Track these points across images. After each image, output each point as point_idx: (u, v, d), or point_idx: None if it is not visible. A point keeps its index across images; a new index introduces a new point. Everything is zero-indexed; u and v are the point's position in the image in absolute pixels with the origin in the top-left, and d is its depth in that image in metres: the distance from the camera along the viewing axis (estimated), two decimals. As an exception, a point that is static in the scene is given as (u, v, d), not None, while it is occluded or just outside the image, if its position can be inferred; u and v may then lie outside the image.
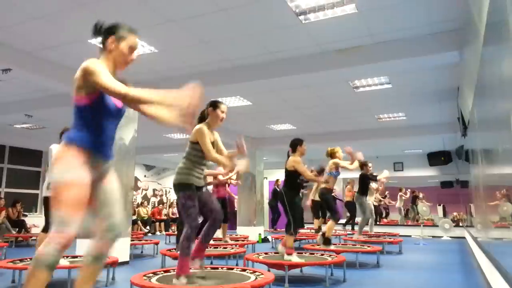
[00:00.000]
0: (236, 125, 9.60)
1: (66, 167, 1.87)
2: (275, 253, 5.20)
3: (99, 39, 2.09)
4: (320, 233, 6.28)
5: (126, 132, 6.15)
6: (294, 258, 4.51)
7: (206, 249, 3.59)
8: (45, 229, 4.17)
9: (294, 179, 4.67)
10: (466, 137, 6.16)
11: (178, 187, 3.27)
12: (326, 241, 5.94)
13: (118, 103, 2.04)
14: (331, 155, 6.04)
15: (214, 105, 3.45)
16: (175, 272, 3.28)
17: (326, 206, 6.36)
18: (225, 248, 6.11)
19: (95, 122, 1.95)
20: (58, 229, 1.81)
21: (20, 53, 5.17)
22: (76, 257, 4.82)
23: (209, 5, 4.02)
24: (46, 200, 4.20)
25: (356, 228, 9.87)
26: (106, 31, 2.06)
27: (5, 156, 11.04)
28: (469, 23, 3.64)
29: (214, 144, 3.38)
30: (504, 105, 2.12)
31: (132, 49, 2.08)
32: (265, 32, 4.67)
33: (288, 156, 4.81)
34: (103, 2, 3.98)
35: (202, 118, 3.48)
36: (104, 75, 1.86)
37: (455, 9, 4.08)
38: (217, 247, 6.18)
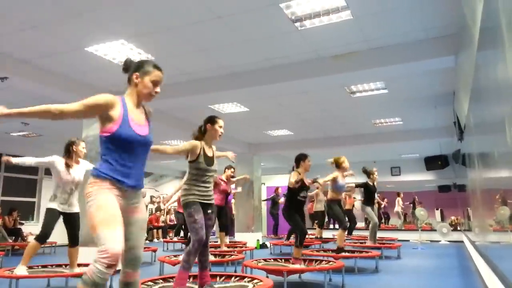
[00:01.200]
0: (233, 131, 9.62)
1: (97, 194, 1.95)
2: (274, 259, 5.19)
3: (127, 74, 2.22)
4: (336, 247, 6.21)
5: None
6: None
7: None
8: (38, 238, 4.14)
9: (293, 197, 4.64)
10: (462, 141, 6.18)
11: (183, 207, 3.32)
12: (339, 251, 5.93)
13: (142, 132, 2.11)
14: (336, 165, 5.97)
15: (213, 121, 3.46)
16: (173, 283, 3.26)
17: (333, 216, 6.34)
18: (224, 256, 6.09)
19: (118, 152, 2.03)
20: (101, 249, 1.84)
21: (16, 61, 5.17)
22: (80, 265, 4.77)
23: (206, 12, 4.05)
24: (49, 211, 4.17)
25: (354, 233, 9.88)
26: (132, 67, 2.20)
27: (2, 164, 10.99)
28: (464, 28, 3.67)
29: (211, 160, 3.40)
30: (499, 109, 2.13)
31: (155, 83, 2.20)
32: (262, 39, 4.70)
33: (292, 170, 4.76)
34: (98, 11, 3.99)
35: (200, 134, 3.47)
36: (80, 102, 2.00)
37: (450, 14, 4.12)
38: (215, 255, 6.15)
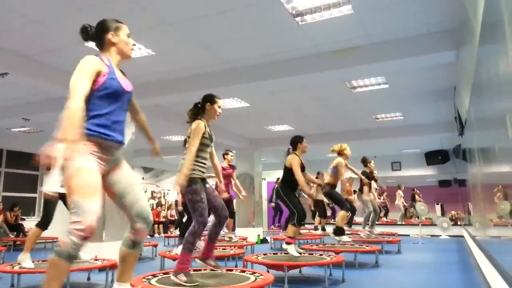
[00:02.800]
0: (234, 127, 9.61)
1: (79, 156, 1.89)
2: (273, 253, 5.20)
3: (93, 40, 2.18)
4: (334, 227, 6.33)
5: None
6: (291, 249, 4.59)
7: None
8: (40, 224, 4.20)
9: (291, 177, 4.73)
10: (463, 136, 6.18)
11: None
12: (339, 231, 5.98)
13: (126, 86, 2.11)
14: (339, 153, 6.05)
15: (212, 100, 3.45)
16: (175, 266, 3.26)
17: (333, 201, 6.42)
18: (224, 249, 6.11)
19: (104, 106, 2.01)
20: (76, 220, 1.79)
21: (17, 56, 5.16)
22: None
23: (207, 7, 4.03)
24: (45, 198, 4.23)
25: (355, 227, 9.90)
26: (101, 30, 2.16)
27: (3, 160, 11.00)
28: (465, 23, 3.66)
29: (212, 136, 3.42)
30: (500, 104, 2.13)
31: (129, 35, 2.22)
32: (262, 34, 4.68)
33: (289, 154, 4.87)
34: (99, 6, 3.98)
35: (196, 113, 3.45)
36: (78, 74, 1.94)
37: (451, 9, 4.10)
38: (216, 248, 6.17)
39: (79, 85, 1.91)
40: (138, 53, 5.13)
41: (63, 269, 1.78)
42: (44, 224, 4.19)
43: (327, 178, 6.21)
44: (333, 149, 6.21)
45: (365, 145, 11.22)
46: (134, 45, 2.25)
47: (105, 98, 2.01)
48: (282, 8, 4.07)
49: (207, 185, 3.38)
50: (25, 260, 4.08)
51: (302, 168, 4.79)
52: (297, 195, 4.96)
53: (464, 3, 3.49)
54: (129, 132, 6.28)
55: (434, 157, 12.30)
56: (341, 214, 6.07)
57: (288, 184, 4.80)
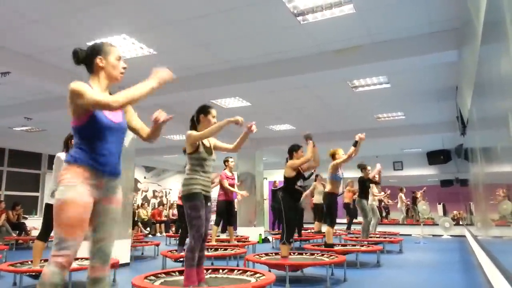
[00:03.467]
0: (235, 126, 9.59)
1: (66, 186, 1.87)
2: (275, 253, 5.20)
3: (83, 64, 2.11)
4: (323, 245, 6.27)
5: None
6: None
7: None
8: (41, 237, 4.12)
9: (291, 185, 4.69)
10: (465, 135, 6.17)
11: (185, 198, 3.19)
12: (327, 246, 5.95)
13: (115, 118, 2.04)
14: (332, 156, 6.04)
15: (205, 111, 3.38)
16: (182, 284, 3.21)
17: (326, 211, 6.35)
18: (226, 249, 6.11)
19: (94, 140, 1.96)
20: (57, 250, 1.82)
21: (19, 56, 5.17)
22: (77, 259, 4.82)
23: (208, 7, 4.03)
24: (48, 208, 4.12)
25: (354, 228, 9.89)
26: (90, 54, 2.09)
27: (5, 159, 11.04)
28: (467, 22, 3.65)
29: (210, 149, 3.34)
30: (502, 104, 2.12)
31: (119, 59, 2.13)
32: (264, 34, 4.68)
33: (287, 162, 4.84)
34: (101, 5, 3.98)
35: (192, 125, 3.41)
36: (89, 93, 1.89)
37: (453, 8, 4.09)
38: (217, 249, 6.18)
39: (99, 96, 1.91)
40: (140, 52, 5.13)
41: None
42: (45, 235, 4.12)
43: (327, 186, 6.18)
44: (328, 153, 6.22)
45: (366, 144, 11.14)
46: (124, 68, 2.15)
47: (92, 134, 1.96)
48: (283, 7, 4.06)
49: (209, 204, 3.31)
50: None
51: (302, 177, 4.74)
52: (297, 205, 4.83)
53: (467, 2, 3.48)
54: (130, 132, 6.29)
55: (436, 157, 12.27)
56: (327, 230, 6.03)
57: (290, 193, 4.71)
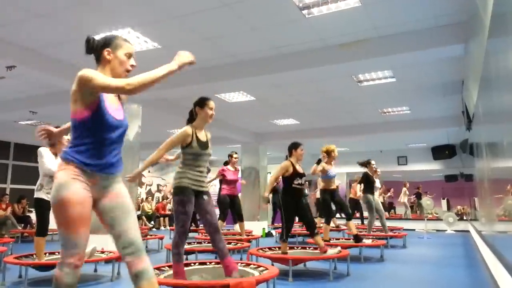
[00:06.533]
0: (239, 121, 9.61)
1: (59, 184, 1.81)
2: (278, 248, 5.22)
3: (94, 54, 2.04)
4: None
5: (130, 128, 6.14)
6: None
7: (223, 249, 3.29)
8: (39, 233, 4.07)
9: (288, 183, 4.66)
10: (470, 130, 6.13)
11: (174, 191, 3.16)
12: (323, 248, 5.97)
13: (118, 115, 1.97)
14: (328, 153, 6.01)
15: (202, 103, 3.25)
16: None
17: (322, 208, 6.37)
18: (230, 243, 6.13)
19: (93, 137, 1.88)
20: (65, 251, 1.80)
21: (24, 50, 5.18)
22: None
23: (213, 0, 4.01)
24: (37, 202, 4.07)
25: (355, 222, 9.87)
26: (100, 45, 2.03)
27: (10, 152, 11.11)
28: (474, 16, 3.61)
29: (206, 144, 3.24)
30: (509, 98, 2.10)
31: (129, 56, 2.05)
32: (269, 27, 4.66)
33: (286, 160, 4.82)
34: (104, 0, 3.98)
35: (191, 119, 3.33)
36: (100, 77, 1.83)
37: (460, 1, 4.05)
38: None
39: (112, 79, 1.85)
40: (144, 47, 5.12)
41: None
42: (42, 231, 4.07)
43: (320, 184, 6.23)
44: (322, 149, 6.17)
45: (371, 139, 11.18)
46: (132, 66, 2.07)
47: (95, 129, 1.88)
48: (288, 1, 4.04)
49: (205, 197, 3.23)
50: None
51: (299, 175, 4.67)
52: (302, 203, 4.81)
53: (474, -5, 3.44)
54: (135, 125, 6.30)
55: (441, 152, 12.21)
56: (324, 227, 6.06)
57: (288, 192, 4.67)
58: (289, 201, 4.64)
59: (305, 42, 5.08)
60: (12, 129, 10.04)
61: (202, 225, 3.35)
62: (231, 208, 6.79)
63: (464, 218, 12.50)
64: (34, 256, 4.28)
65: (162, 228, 13.15)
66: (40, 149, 4.13)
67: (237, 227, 7.56)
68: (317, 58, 5.27)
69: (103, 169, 1.91)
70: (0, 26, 4.57)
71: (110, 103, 1.95)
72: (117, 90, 1.83)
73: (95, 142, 1.89)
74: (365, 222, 10.03)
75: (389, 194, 13.36)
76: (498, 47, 2.36)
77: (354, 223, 7.37)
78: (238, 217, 6.97)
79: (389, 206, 14.25)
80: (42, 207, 4.04)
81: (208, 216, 3.22)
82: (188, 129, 3.17)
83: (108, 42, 2.03)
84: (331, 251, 4.51)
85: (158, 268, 3.68)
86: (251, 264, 3.94)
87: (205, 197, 3.25)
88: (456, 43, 4.56)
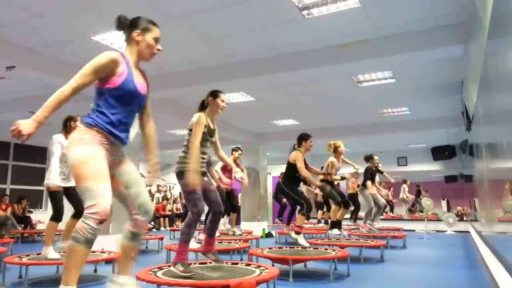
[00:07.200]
0: (239, 121, 9.61)
1: (81, 146, 1.90)
2: (278, 247, 5.22)
3: (123, 32, 2.16)
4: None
5: (130, 128, 6.17)
6: (301, 239, 4.65)
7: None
8: (53, 218, 4.14)
9: (294, 172, 4.80)
10: (470, 131, 6.14)
11: (180, 175, 3.27)
12: (333, 225, 6.03)
13: (142, 89, 2.10)
14: (335, 150, 6.07)
15: (214, 94, 3.47)
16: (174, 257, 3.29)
17: (328, 197, 6.48)
18: (230, 243, 6.13)
19: (116, 106, 2.00)
20: (90, 202, 1.83)
21: (24, 50, 5.18)
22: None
23: (212, 0, 4.02)
24: (51, 192, 4.16)
25: (359, 222, 9.88)
26: (131, 25, 2.13)
27: (10, 153, 11.11)
28: (474, 16, 3.61)
29: (214, 131, 3.44)
30: (509, 99, 2.11)
31: (156, 40, 2.17)
32: (268, 28, 4.66)
33: (294, 149, 4.90)
34: (104, 0, 3.98)
35: (202, 107, 3.51)
36: (85, 68, 1.96)
37: (459, 2, 4.05)
38: (221, 242, 6.20)
39: (78, 77, 1.96)
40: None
41: (82, 254, 1.81)
42: (57, 216, 4.15)
43: (322, 175, 6.25)
44: (328, 147, 6.26)
45: (371, 139, 11.19)
46: (159, 50, 2.19)
47: (118, 98, 2.00)
48: (288, 1, 4.04)
49: (205, 178, 3.39)
50: (50, 253, 4.09)
51: (306, 167, 4.86)
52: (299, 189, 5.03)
53: (473, -4, 3.45)
54: (135, 126, 6.29)
55: (440, 152, 12.22)
56: (333, 208, 6.17)
57: (291, 179, 4.88)
58: (292, 185, 4.87)
59: (305, 43, 5.09)
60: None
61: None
62: (228, 200, 6.83)
63: (464, 218, 12.50)
64: (35, 255, 4.29)
65: (162, 228, 13.14)
66: (55, 136, 4.16)
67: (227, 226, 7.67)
68: (316, 59, 5.27)
69: (123, 136, 2.06)
70: (0, 26, 4.58)
71: (137, 76, 2.10)
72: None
73: (119, 112, 2.01)
74: (358, 221, 10.03)
75: (389, 193, 13.35)
76: (498, 48, 2.37)
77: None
78: (232, 208, 7.05)
79: (390, 207, 14.22)
80: (56, 194, 4.14)
81: (210, 194, 3.37)
82: (202, 116, 3.34)
83: (138, 23, 2.14)
84: (302, 240, 4.72)
85: (159, 268, 3.68)
86: (251, 264, 3.94)
87: (206, 178, 3.40)
88: (456, 44, 4.56)
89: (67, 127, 4.18)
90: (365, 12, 4.27)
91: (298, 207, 4.88)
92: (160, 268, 3.69)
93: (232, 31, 4.74)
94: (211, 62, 5.75)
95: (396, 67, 5.80)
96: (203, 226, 5.93)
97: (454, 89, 6.71)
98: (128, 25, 2.13)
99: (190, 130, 3.35)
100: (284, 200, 9.34)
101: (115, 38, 4.85)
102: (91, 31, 4.70)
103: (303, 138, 4.91)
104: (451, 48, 4.64)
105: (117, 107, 2.00)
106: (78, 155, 1.89)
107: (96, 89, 2.02)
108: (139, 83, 2.09)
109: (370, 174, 7.49)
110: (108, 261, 4.53)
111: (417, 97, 7.53)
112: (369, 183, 7.38)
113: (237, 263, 4.04)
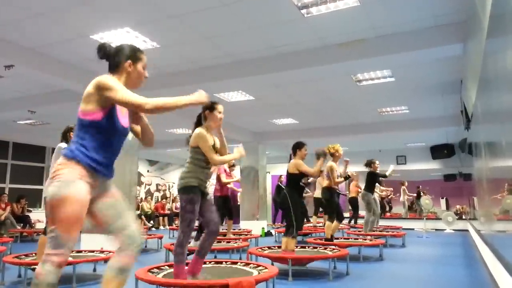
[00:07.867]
0: (238, 120, 9.61)
1: (64, 182, 1.81)
2: (278, 246, 5.22)
3: (107, 60, 2.07)
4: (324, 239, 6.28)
5: (129, 127, 6.16)
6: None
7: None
8: (46, 232, 4.10)
9: (296, 181, 4.75)
10: (469, 130, 6.14)
11: (182, 191, 3.17)
12: (327, 241, 5.96)
13: (125, 122, 2.02)
14: (332, 154, 6.02)
15: (211, 107, 3.29)
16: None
17: (326, 206, 6.39)
18: (229, 242, 6.14)
19: (100, 139, 1.91)
20: (52, 248, 1.78)
21: (22, 49, 5.17)
22: (81, 251, 4.86)
23: (211, 0, 4.01)
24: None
25: (360, 222, 9.89)
26: (120, 54, 2.06)
27: (9, 152, 11.09)
28: (473, 16, 3.61)
29: (214, 146, 3.28)
30: (508, 98, 2.11)
31: (145, 67, 2.13)
32: (267, 27, 4.66)
33: (290, 159, 4.86)
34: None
35: (198, 122, 3.37)
36: (121, 90, 1.88)
37: (458, 1, 4.05)
38: (220, 241, 6.21)
39: (132, 94, 1.89)
40: (143, 46, 5.11)
41: None
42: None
43: (325, 182, 6.20)
44: (328, 150, 6.17)
45: (370, 138, 11.18)
46: (146, 77, 2.13)
47: (100, 133, 1.92)
48: (287, 0, 4.04)
49: (208, 197, 3.29)
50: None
51: (306, 174, 4.82)
52: (303, 203, 4.91)
53: (472, -5, 3.45)
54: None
55: (439, 151, 12.23)
56: (327, 225, 6.03)
57: (295, 188, 4.74)
58: (296, 198, 4.70)
59: (304, 42, 5.08)
60: (11, 128, 10.02)
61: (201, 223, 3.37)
62: (223, 207, 6.76)
63: (463, 217, 12.51)
64: (34, 254, 4.28)
65: (161, 227, 13.15)
66: (60, 145, 4.12)
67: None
68: (316, 58, 5.27)
69: (106, 172, 1.96)
70: (-2, 25, 4.57)
71: (120, 109, 2.00)
72: (135, 107, 1.89)
73: (103, 144, 1.93)
74: (359, 221, 10.05)
75: (390, 194, 13.35)
76: (497, 47, 2.37)
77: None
78: (229, 216, 7.03)
79: (389, 206, 14.24)
80: None
81: (211, 214, 3.26)
82: (202, 131, 3.22)
83: (129, 54, 2.08)
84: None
85: (158, 267, 3.68)
86: (250, 263, 3.95)
87: (208, 197, 3.31)
88: (455, 43, 4.56)
89: (66, 138, 4.18)
90: (364, 11, 4.27)
91: (287, 229, 4.64)
92: (159, 268, 3.69)
93: (232, 30, 4.73)
94: (211, 61, 5.74)
95: (395, 66, 5.80)
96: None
97: (453, 88, 6.71)
98: (115, 54, 2.05)
99: (192, 147, 3.23)
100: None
101: (114, 37, 4.84)
102: (90, 30, 4.69)
103: (297, 146, 4.84)
104: (450, 47, 4.64)
105: (99, 142, 1.91)
106: (57, 192, 1.79)
107: (78, 120, 1.92)
108: (122, 116, 2.01)
109: (371, 179, 7.50)
110: (107, 261, 4.52)
111: (416, 96, 7.54)
112: (378, 187, 7.40)
113: (236, 262, 4.04)
